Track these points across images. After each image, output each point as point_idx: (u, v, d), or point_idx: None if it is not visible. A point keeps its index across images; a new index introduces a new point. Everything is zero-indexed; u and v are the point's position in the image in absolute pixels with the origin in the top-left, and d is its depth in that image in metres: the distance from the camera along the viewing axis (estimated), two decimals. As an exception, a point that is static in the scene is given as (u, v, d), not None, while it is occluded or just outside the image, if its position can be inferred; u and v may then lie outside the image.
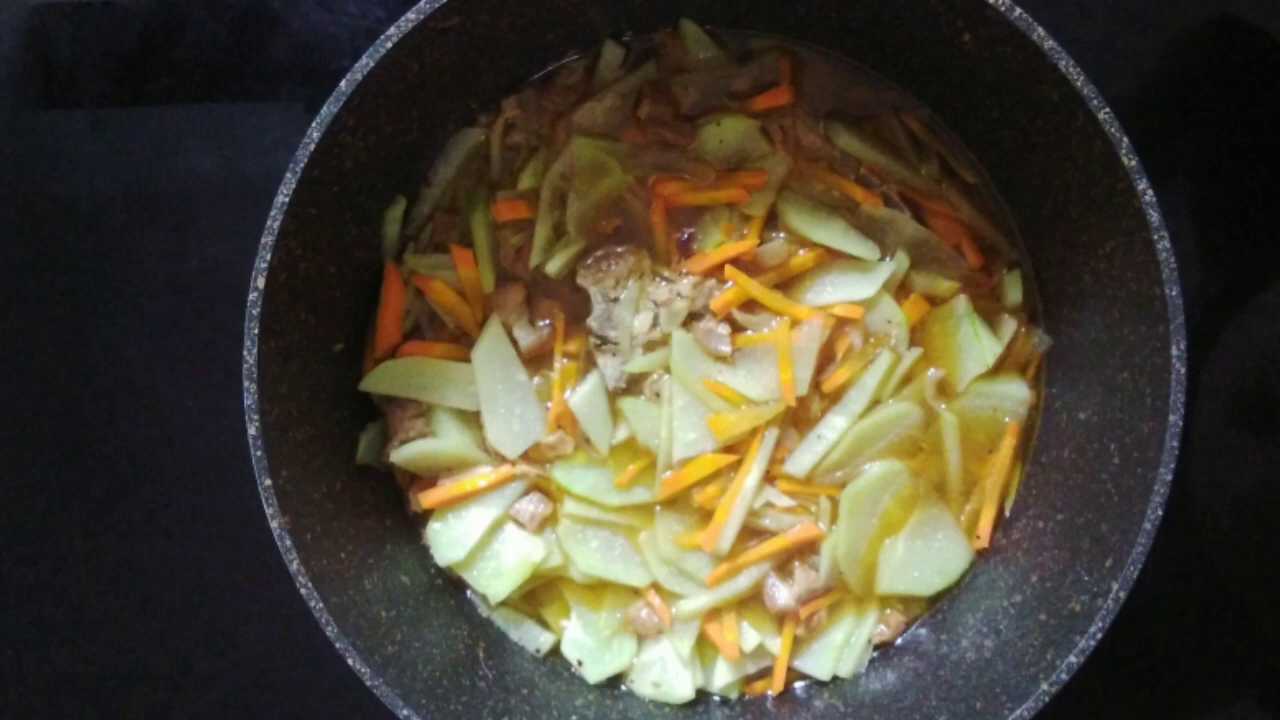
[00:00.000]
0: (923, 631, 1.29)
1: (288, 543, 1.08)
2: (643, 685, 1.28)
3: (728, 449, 1.25)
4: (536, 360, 1.28)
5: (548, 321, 1.28)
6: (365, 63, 1.07)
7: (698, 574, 1.26)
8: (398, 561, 1.25)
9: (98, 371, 1.43)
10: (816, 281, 1.26)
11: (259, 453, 1.08)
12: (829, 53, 1.28)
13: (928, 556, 1.26)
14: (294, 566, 1.08)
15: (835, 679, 1.28)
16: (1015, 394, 1.27)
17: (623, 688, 1.29)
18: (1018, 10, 1.04)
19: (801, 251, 1.26)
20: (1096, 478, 1.16)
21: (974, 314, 1.26)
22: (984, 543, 1.27)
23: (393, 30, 1.07)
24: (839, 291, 1.25)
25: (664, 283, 1.26)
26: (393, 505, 1.30)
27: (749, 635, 1.27)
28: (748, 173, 1.26)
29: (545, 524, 1.28)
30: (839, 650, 1.27)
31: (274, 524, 1.08)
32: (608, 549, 1.27)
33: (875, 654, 1.29)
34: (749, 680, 1.29)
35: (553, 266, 1.26)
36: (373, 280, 1.28)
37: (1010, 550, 1.26)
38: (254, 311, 1.07)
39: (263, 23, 1.42)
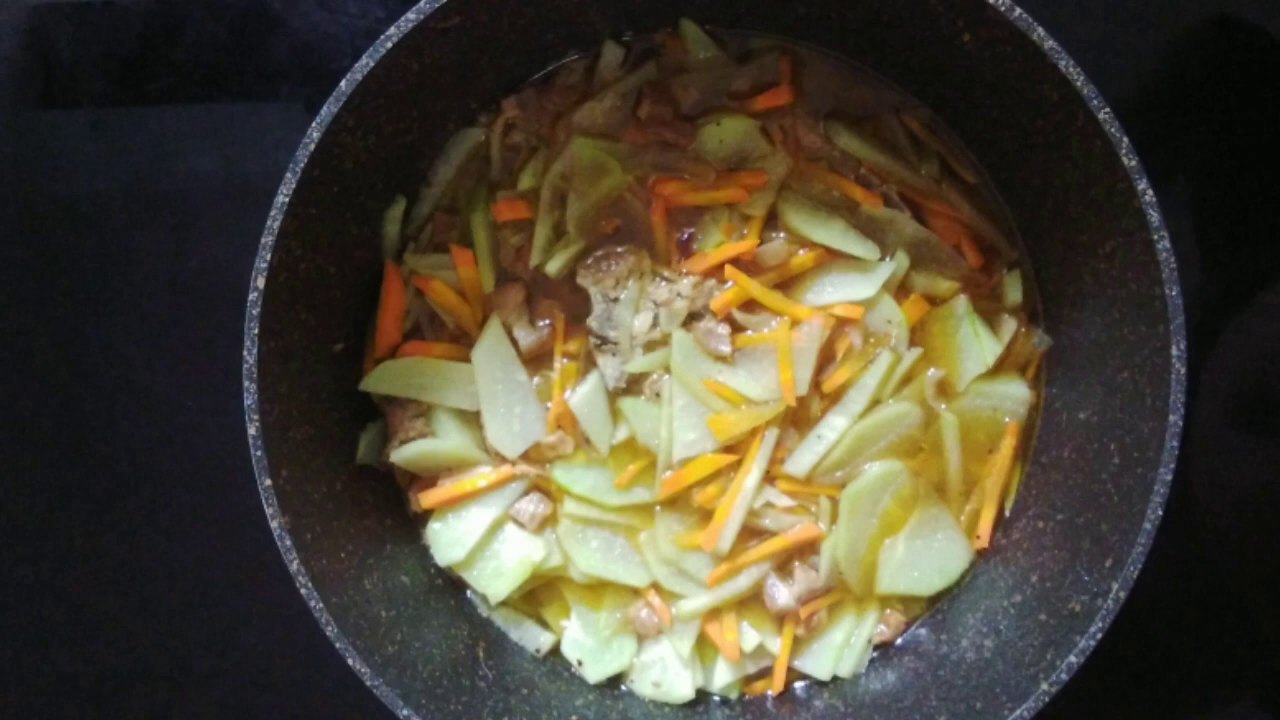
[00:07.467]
0: (923, 631, 1.29)
1: (288, 543, 1.08)
2: (643, 685, 1.28)
3: (728, 449, 1.25)
4: (536, 360, 1.28)
5: (548, 321, 1.28)
6: (365, 63, 1.07)
7: (698, 574, 1.26)
8: (398, 561, 1.25)
9: (98, 371, 1.43)
10: (816, 281, 1.26)
11: (259, 453, 1.08)
12: (829, 53, 1.28)
13: (928, 556, 1.26)
14: (294, 566, 1.08)
15: (835, 679, 1.27)
16: (1015, 394, 1.27)
17: (623, 688, 1.29)
18: (1018, 10, 1.04)
19: (801, 251, 1.26)
20: (1096, 478, 1.16)
21: (974, 314, 1.26)
22: (984, 543, 1.27)
23: (393, 30, 1.07)
24: (839, 291, 1.25)
25: (664, 283, 1.26)
26: (393, 505, 1.30)
27: (749, 635, 1.27)
28: (748, 173, 1.26)
29: (545, 524, 1.28)
30: (839, 650, 1.27)
31: (274, 524, 1.08)
32: (608, 549, 1.27)
33: (875, 654, 1.29)
34: (749, 680, 1.29)
35: (553, 266, 1.26)
36: (373, 280, 1.28)
37: (1010, 550, 1.26)
38: (254, 311, 1.07)
39: (263, 23, 1.42)
